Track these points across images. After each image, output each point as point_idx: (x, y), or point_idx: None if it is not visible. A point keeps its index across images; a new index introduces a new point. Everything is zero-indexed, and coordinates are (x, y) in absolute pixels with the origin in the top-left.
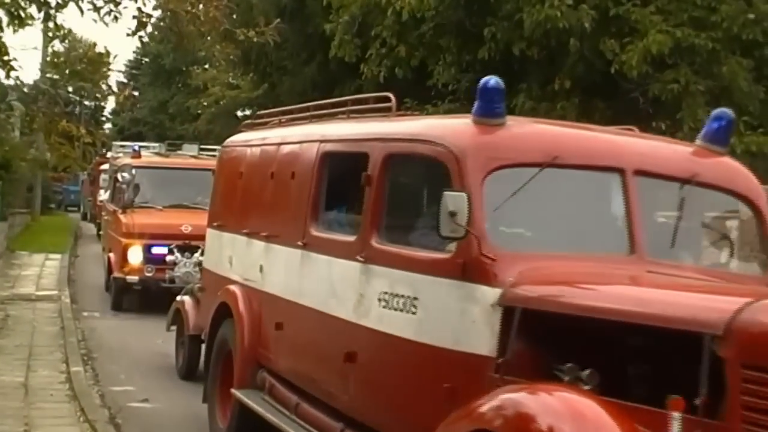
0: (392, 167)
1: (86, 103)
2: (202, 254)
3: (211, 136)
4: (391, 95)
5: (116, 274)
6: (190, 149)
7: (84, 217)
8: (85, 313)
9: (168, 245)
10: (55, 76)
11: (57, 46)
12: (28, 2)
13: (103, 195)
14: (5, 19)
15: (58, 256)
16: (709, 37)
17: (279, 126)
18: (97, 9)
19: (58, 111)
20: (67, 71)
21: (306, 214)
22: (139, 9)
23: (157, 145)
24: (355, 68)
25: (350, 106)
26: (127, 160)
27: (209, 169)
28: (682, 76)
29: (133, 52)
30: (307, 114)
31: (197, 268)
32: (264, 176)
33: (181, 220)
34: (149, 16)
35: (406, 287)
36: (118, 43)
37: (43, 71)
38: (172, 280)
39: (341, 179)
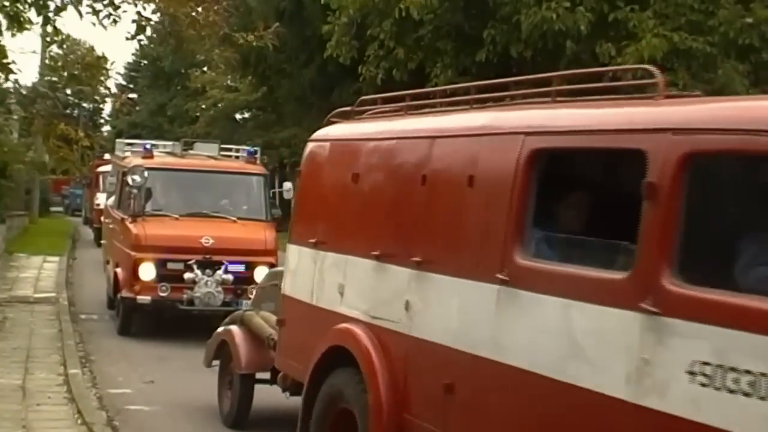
0: (697, 171)
1: (84, 105)
2: (226, 272)
3: (210, 139)
4: (652, 68)
5: (125, 293)
6: (208, 149)
7: (85, 222)
8: (83, 316)
9: (186, 261)
10: (54, 79)
11: (55, 50)
12: (27, 6)
13: (101, 198)
14: (4, 23)
15: (56, 258)
16: (706, 42)
17: (414, 115)
18: (96, 12)
19: (57, 114)
20: (65, 74)
21: (504, 236)
22: (138, 13)
23: (170, 143)
24: (353, 71)
25: (557, 85)
26: (138, 161)
27: (234, 172)
28: (679, 80)
29: (132, 54)
30: (468, 98)
31: (220, 288)
32: (405, 181)
33: (200, 231)
34: (148, 20)
35: (752, 358)
36: (117, 46)
37: (41, 74)
38: (191, 302)
39: (565, 186)
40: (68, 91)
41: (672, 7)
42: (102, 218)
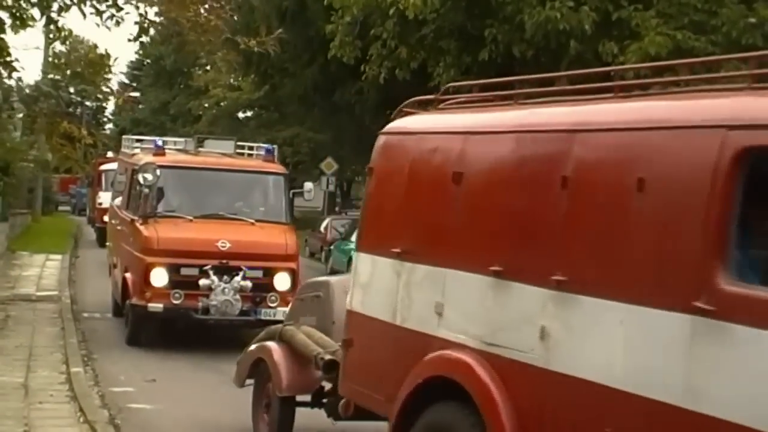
0: None
1: (87, 104)
2: (244, 278)
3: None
4: None
5: (135, 300)
6: (223, 146)
7: (89, 221)
8: (86, 314)
9: (201, 266)
10: (57, 77)
11: (58, 46)
12: (30, 5)
13: (104, 197)
14: (7, 21)
15: (59, 256)
16: (709, 41)
17: (530, 104)
18: (99, 13)
19: (60, 112)
20: (68, 72)
21: (700, 254)
22: (141, 15)
23: (182, 140)
24: (356, 70)
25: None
26: (149, 158)
27: (252, 171)
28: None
29: (135, 53)
30: (609, 84)
31: (237, 296)
32: (536, 183)
33: (217, 234)
34: (151, 22)
35: None
36: (120, 44)
37: (44, 72)
38: (206, 310)
39: None
40: (71, 90)
41: (675, 6)
42: (106, 218)
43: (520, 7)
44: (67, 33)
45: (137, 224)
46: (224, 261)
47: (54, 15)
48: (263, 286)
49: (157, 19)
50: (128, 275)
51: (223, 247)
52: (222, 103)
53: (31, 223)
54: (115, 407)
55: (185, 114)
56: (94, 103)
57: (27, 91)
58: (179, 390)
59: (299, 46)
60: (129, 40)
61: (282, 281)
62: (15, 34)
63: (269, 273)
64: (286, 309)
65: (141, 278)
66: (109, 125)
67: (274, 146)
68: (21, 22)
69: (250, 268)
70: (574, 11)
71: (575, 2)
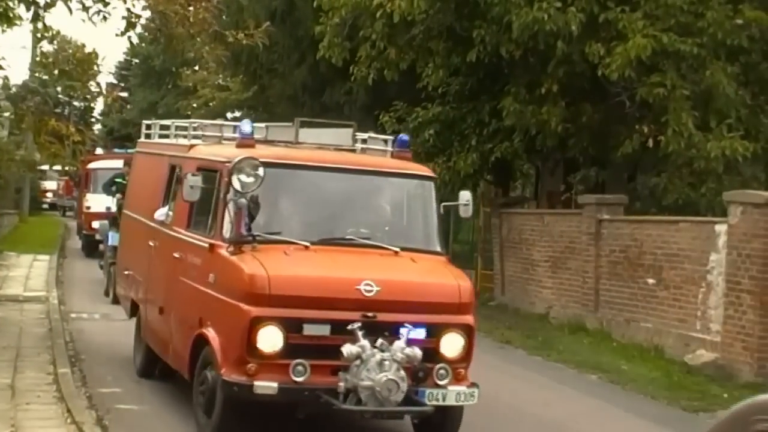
0: None
1: (75, 104)
2: (409, 343)
3: None
4: None
5: (228, 375)
6: (333, 136)
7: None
8: (73, 315)
9: (337, 322)
10: (44, 77)
11: (46, 46)
12: (16, 2)
13: (92, 200)
14: None
15: (47, 257)
16: (694, 43)
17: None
18: (85, 8)
19: (47, 110)
20: (56, 71)
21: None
22: (128, 9)
23: (262, 125)
24: (345, 70)
25: None
26: (238, 153)
27: (393, 174)
28: (668, 80)
29: (123, 53)
30: None
31: (403, 373)
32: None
33: (355, 270)
34: (138, 16)
35: None
36: (108, 45)
37: (32, 71)
38: (353, 396)
39: None
40: (59, 89)
41: (662, 8)
42: (96, 224)
43: (508, 8)
44: (54, 32)
45: (224, 253)
46: (371, 314)
47: (40, 11)
48: (428, 354)
49: (145, 14)
50: (210, 333)
51: (368, 291)
52: (211, 104)
53: (18, 224)
54: (102, 408)
55: (173, 114)
56: (82, 103)
57: (14, 90)
58: (168, 391)
59: (288, 47)
60: (116, 35)
61: (453, 345)
62: (2, 32)
63: (435, 332)
64: (460, 389)
65: (239, 340)
66: (97, 126)
67: (408, 137)
68: (8, 20)
69: (413, 324)
70: (561, 12)
71: (562, 3)
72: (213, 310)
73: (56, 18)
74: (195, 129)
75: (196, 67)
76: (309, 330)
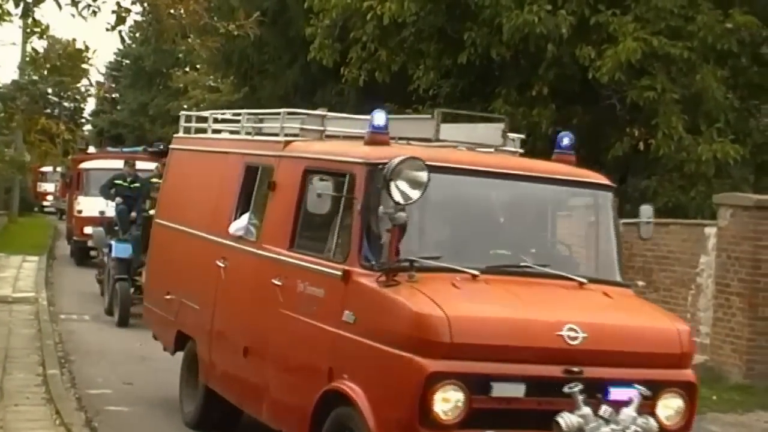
0: None
1: (65, 104)
2: (639, 410)
3: None
4: None
5: None
6: (477, 131)
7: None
8: (63, 316)
9: (532, 380)
10: (35, 77)
11: (36, 42)
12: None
13: (84, 203)
14: None
15: (36, 258)
16: (684, 47)
17: None
18: (75, 3)
19: (38, 109)
20: (47, 68)
21: None
22: (117, 3)
23: (342, 116)
24: (336, 72)
25: None
26: (363, 151)
27: (567, 182)
28: (658, 84)
29: (114, 53)
30: None
31: None
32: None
33: (551, 310)
34: (128, 11)
35: None
36: (99, 45)
37: (22, 69)
38: None
39: None
40: (49, 90)
41: (653, 11)
42: (88, 229)
43: (498, 11)
44: (44, 27)
45: (371, 284)
46: (576, 369)
47: (30, 3)
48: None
49: (135, 8)
50: (351, 391)
51: (572, 339)
52: (201, 105)
53: (7, 225)
54: (92, 409)
55: (164, 115)
56: (72, 104)
57: (4, 89)
58: (157, 392)
59: (279, 48)
60: (107, 30)
61: (673, 409)
62: None
63: (652, 392)
64: None
65: (407, 405)
66: (88, 126)
67: (570, 135)
68: None
69: (626, 382)
70: (551, 15)
71: (553, 6)
72: (354, 360)
73: (46, 16)
74: (288, 121)
75: (187, 69)
76: (499, 390)
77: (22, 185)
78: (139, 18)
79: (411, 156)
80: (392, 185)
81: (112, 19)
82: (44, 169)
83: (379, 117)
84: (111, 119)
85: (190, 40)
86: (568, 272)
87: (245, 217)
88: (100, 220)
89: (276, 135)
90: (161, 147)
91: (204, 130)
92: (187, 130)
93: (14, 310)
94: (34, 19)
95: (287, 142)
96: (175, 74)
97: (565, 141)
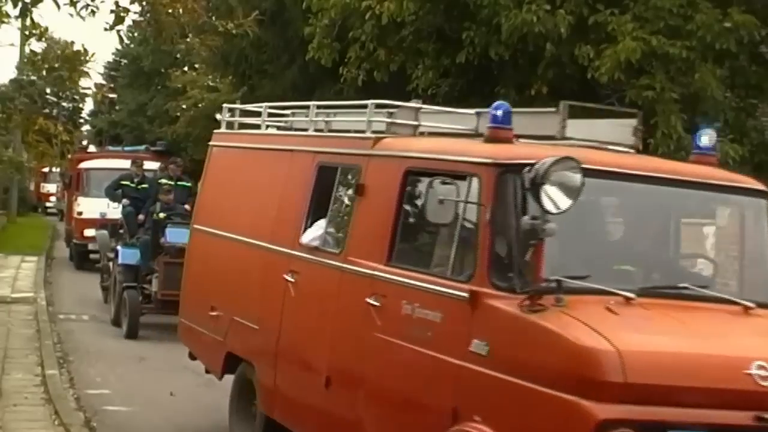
0: None
1: (64, 104)
2: None
3: (190, 139)
4: None
5: None
6: (605, 128)
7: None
8: (61, 316)
9: (719, 429)
10: (33, 77)
11: (34, 44)
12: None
13: (84, 204)
14: None
15: (35, 258)
16: (683, 46)
17: None
18: (73, 3)
19: (36, 109)
20: (45, 69)
21: None
22: (116, 3)
23: (440, 109)
24: (334, 71)
25: None
26: (486, 149)
27: (722, 188)
28: (657, 83)
29: (112, 53)
30: None
31: None
32: None
33: (731, 343)
34: (126, 10)
35: None
36: (97, 47)
37: (20, 70)
38: None
39: None
40: (48, 91)
41: (651, 10)
42: (89, 232)
43: (497, 10)
44: (43, 29)
45: (511, 310)
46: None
47: (28, 3)
48: None
49: (133, 8)
50: None
51: (763, 380)
52: (200, 105)
53: (6, 225)
54: (90, 409)
55: (162, 115)
56: (71, 104)
57: (2, 89)
58: (155, 392)
59: (278, 47)
60: (105, 29)
61: None
62: None
63: None
64: None
65: None
66: (86, 126)
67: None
68: None
69: None
70: (550, 14)
71: (551, 5)
72: (489, 399)
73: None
74: (374, 115)
75: (185, 68)
76: None
77: (20, 185)
78: (137, 17)
79: (565, 156)
80: (543, 191)
81: (111, 18)
82: (45, 169)
83: (502, 109)
84: (109, 119)
85: (188, 39)
86: (727, 294)
87: (320, 225)
88: (101, 222)
89: (347, 131)
90: (164, 146)
91: (245, 125)
92: (229, 125)
93: (13, 310)
94: (32, 20)
95: (377, 139)
96: (173, 74)
97: (705, 140)
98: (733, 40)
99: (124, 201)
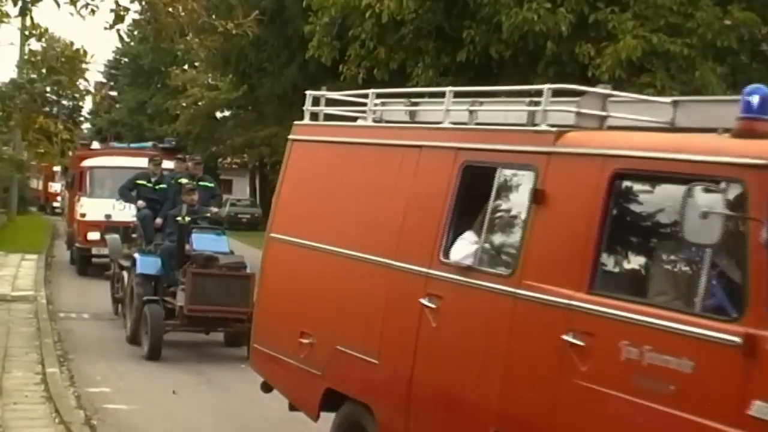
0: None
1: (64, 102)
2: None
3: (190, 138)
4: None
5: None
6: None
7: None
8: (62, 314)
9: None
10: (33, 75)
11: (34, 44)
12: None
13: (88, 205)
14: None
15: (35, 256)
16: (684, 44)
17: None
18: (73, 2)
19: (36, 107)
20: (44, 69)
21: None
22: (116, 2)
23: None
24: (334, 69)
25: None
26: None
27: None
28: (657, 81)
29: (113, 52)
30: None
31: None
32: None
33: None
34: (126, 9)
35: None
36: (97, 45)
37: (20, 69)
38: None
39: None
40: (47, 89)
41: (652, 8)
42: (92, 235)
43: (497, 8)
44: (42, 30)
45: None
46: None
47: (28, 2)
48: None
49: (133, 7)
50: None
51: None
52: (200, 103)
53: (6, 223)
54: (91, 408)
55: (162, 114)
56: (71, 102)
57: (2, 88)
58: (156, 390)
59: (278, 46)
60: (105, 29)
61: None
62: None
63: None
64: None
65: None
66: (86, 125)
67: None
68: None
69: None
70: (551, 13)
71: (552, 4)
72: None
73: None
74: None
75: (186, 67)
76: None
77: (20, 184)
78: (137, 16)
79: None
80: None
81: (111, 17)
82: (57, 168)
83: (760, 95)
84: (109, 118)
85: (188, 38)
86: None
87: (469, 239)
88: (106, 225)
89: (503, 124)
90: (174, 143)
91: (332, 116)
92: (314, 116)
93: (13, 309)
94: (32, 19)
95: (559, 134)
96: (173, 72)
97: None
98: (733, 38)
99: (140, 203)
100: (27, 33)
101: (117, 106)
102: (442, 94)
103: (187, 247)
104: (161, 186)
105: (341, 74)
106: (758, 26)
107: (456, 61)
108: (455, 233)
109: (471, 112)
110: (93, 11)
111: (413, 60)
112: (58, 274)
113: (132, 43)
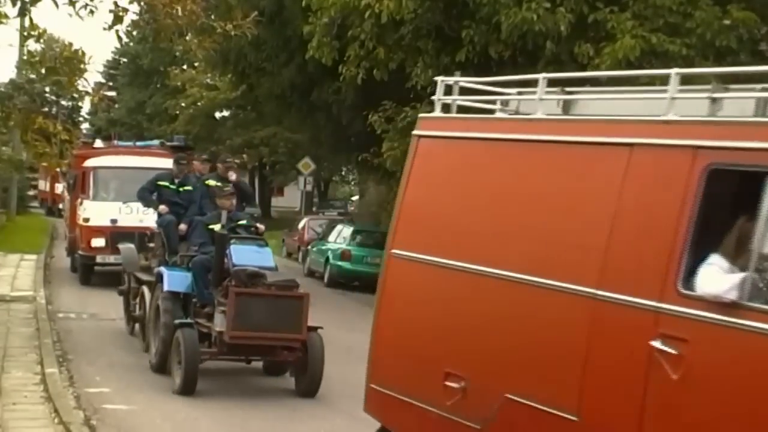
0: None
1: (63, 102)
2: None
3: (189, 138)
4: None
5: None
6: None
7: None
8: (61, 314)
9: None
10: (32, 76)
11: (33, 45)
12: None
13: (91, 208)
14: None
15: (34, 256)
16: (683, 44)
17: None
18: (72, 2)
19: (35, 108)
20: (43, 70)
21: None
22: (115, 3)
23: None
24: (333, 70)
25: None
26: None
27: None
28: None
29: (112, 52)
30: None
31: None
32: None
33: None
34: (125, 10)
35: None
36: (97, 44)
37: (19, 69)
38: None
39: None
40: (47, 89)
41: (651, 8)
42: (97, 242)
43: (497, 8)
44: (41, 31)
45: None
46: None
47: (27, 2)
48: None
49: (132, 7)
50: None
51: None
52: (199, 103)
53: (5, 223)
54: (90, 408)
55: (161, 113)
56: (70, 102)
57: (1, 88)
58: (154, 391)
59: (277, 46)
60: (104, 29)
61: None
62: None
63: None
64: None
65: None
66: (85, 125)
67: None
68: None
69: None
70: (550, 12)
71: (551, 4)
72: None
73: (43, 17)
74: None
75: (185, 66)
76: None
77: (20, 184)
78: (136, 17)
79: None
80: None
81: (110, 18)
82: (64, 169)
83: None
84: (108, 118)
85: (187, 39)
86: None
87: (719, 264)
88: (111, 231)
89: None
90: (182, 141)
91: (472, 109)
92: (446, 108)
93: (12, 309)
94: (31, 20)
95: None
96: (172, 72)
97: None
98: (733, 38)
99: (162, 207)
100: (26, 34)
101: (116, 106)
102: (630, 81)
103: (225, 260)
104: (186, 188)
105: (340, 74)
106: (757, 26)
107: (455, 60)
108: (696, 257)
109: (713, 100)
110: (92, 12)
111: (412, 60)
112: (57, 274)
113: (131, 43)
